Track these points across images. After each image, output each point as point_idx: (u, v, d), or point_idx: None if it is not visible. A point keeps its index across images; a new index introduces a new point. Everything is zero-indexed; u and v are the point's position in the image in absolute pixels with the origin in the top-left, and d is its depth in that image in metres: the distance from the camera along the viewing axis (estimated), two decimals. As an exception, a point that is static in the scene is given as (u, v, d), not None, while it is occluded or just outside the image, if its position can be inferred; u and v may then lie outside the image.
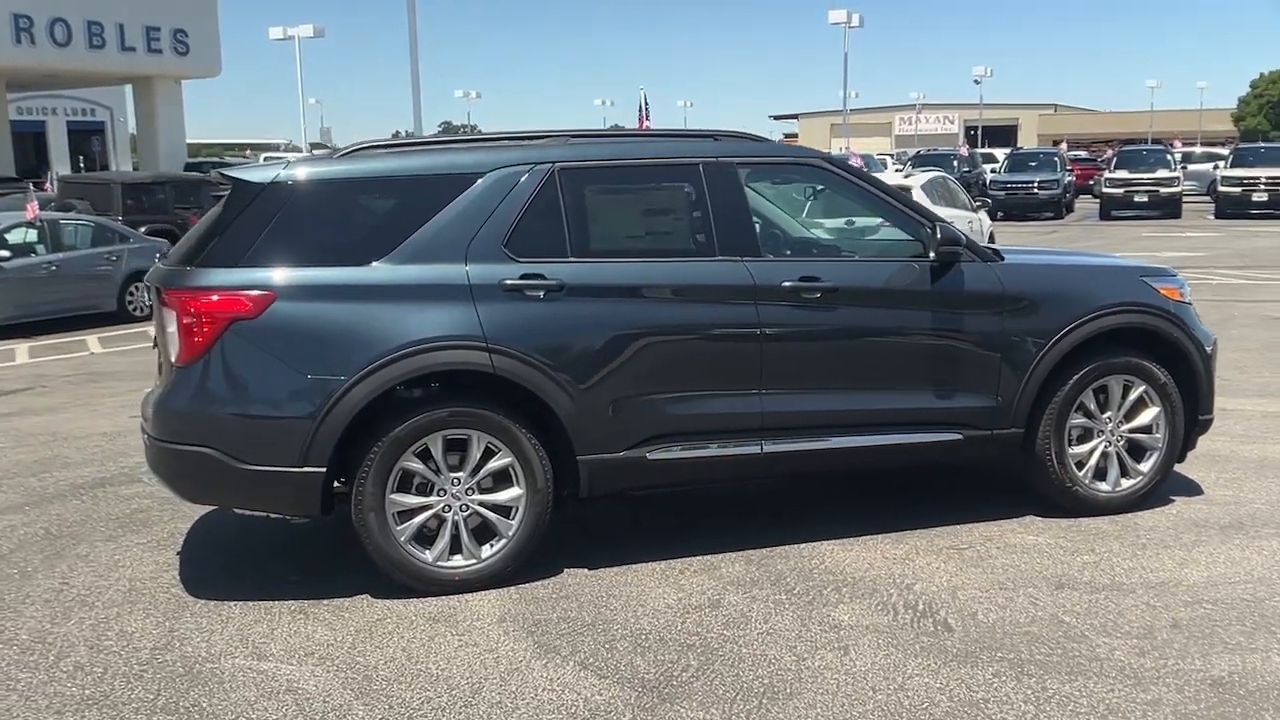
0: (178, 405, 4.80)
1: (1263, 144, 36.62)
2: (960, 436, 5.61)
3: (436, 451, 4.93)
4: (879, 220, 6.40)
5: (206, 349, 4.73)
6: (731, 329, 5.24)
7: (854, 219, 7.65)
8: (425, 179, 5.11)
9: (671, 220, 5.47)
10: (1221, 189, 29.69)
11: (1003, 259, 5.76)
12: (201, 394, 4.77)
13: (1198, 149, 44.87)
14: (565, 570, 5.23)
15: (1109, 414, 5.88)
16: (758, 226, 5.55)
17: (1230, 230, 26.27)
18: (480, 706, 3.94)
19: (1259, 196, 28.96)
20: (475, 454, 4.97)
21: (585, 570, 5.25)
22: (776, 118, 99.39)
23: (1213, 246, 22.13)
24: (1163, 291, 5.98)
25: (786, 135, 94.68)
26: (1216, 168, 34.13)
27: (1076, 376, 5.72)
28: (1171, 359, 5.92)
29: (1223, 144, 58.16)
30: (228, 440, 4.75)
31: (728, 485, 6.29)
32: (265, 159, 46.11)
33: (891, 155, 44.94)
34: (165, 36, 32.68)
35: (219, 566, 5.48)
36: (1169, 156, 33.59)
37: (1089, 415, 5.84)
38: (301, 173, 4.99)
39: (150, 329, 6.88)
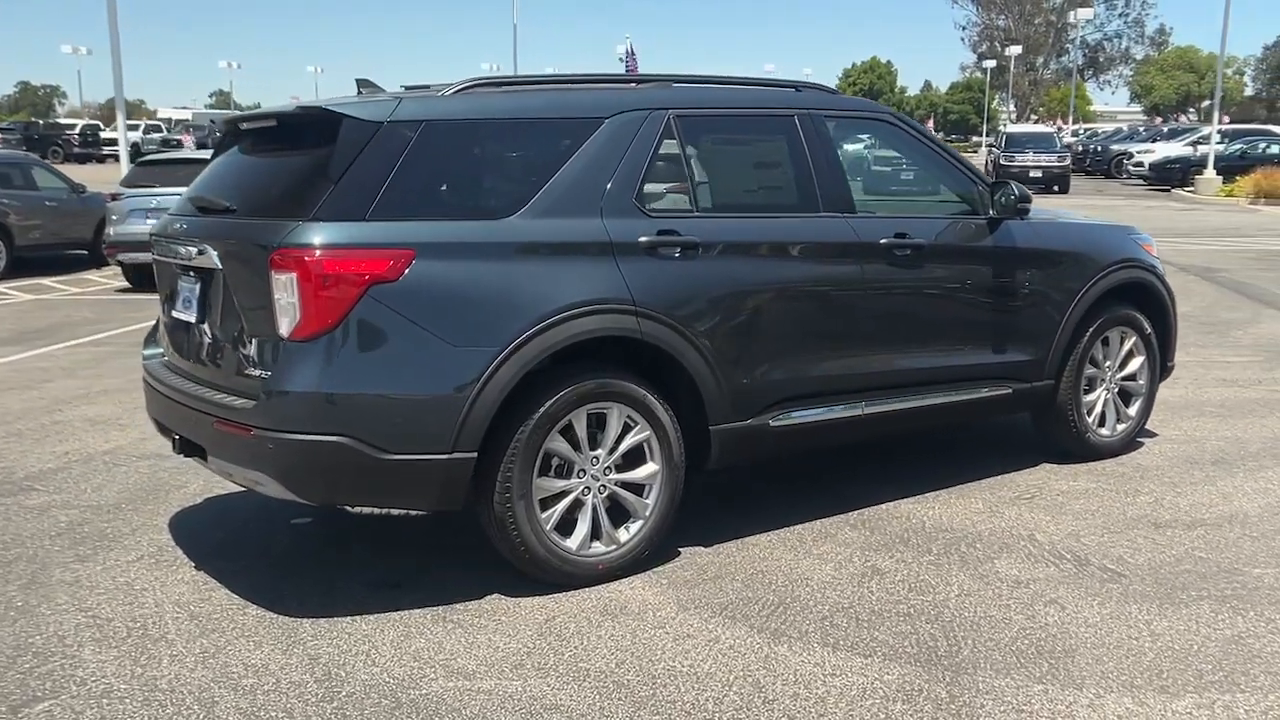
0: (304, 387, 3.95)
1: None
2: (1011, 390, 5.76)
3: (580, 428, 4.41)
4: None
5: (341, 318, 3.94)
6: (842, 288, 5.06)
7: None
8: (551, 123, 4.53)
9: (779, 174, 5.17)
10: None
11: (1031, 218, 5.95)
12: (335, 373, 3.96)
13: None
14: (682, 550, 4.86)
15: (1109, 363, 6.25)
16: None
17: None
18: (783, 700, 3.57)
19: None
20: (615, 429, 4.50)
21: (703, 548, 4.90)
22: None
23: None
24: (1145, 248, 6.43)
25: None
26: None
27: (1092, 329, 6.03)
28: (1153, 311, 6.38)
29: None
30: (368, 427, 3.99)
31: (830, 450, 6.07)
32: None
33: None
34: None
35: (267, 580, 4.60)
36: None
37: (1096, 365, 6.19)
38: (421, 112, 4.26)
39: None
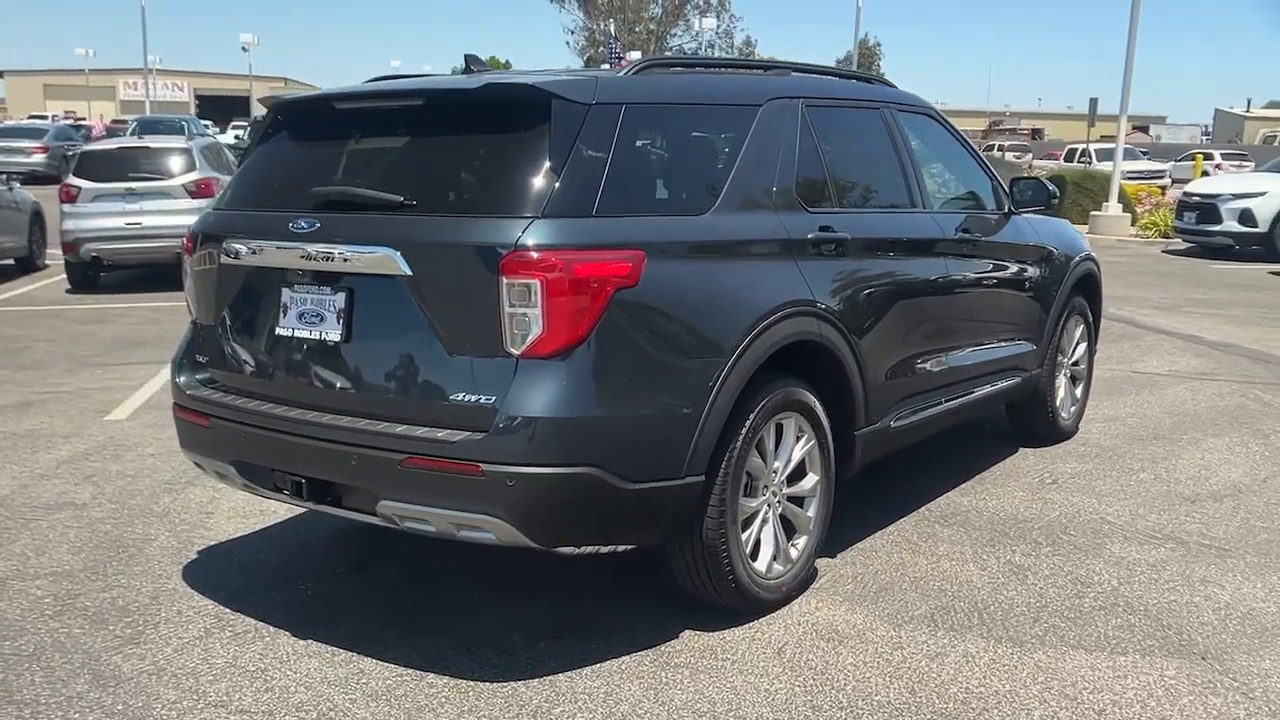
0: (552, 412, 3.31)
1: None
2: (1020, 380, 5.94)
3: (770, 441, 4.06)
4: None
5: (589, 330, 3.36)
6: (938, 282, 5.01)
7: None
8: (724, 109, 4.12)
9: (882, 167, 4.96)
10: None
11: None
12: (583, 393, 3.36)
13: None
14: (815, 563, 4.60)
15: (1067, 349, 6.62)
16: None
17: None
18: (1111, 710, 3.41)
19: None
20: (791, 441, 4.18)
21: (830, 559, 4.66)
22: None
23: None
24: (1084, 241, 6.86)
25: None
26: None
27: (1064, 317, 6.35)
28: (1093, 299, 6.82)
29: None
30: (614, 454, 3.43)
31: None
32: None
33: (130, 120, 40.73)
34: None
35: (392, 641, 3.87)
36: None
37: (1062, 352, 6.52)
38: (619, 93, 3.69)
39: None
